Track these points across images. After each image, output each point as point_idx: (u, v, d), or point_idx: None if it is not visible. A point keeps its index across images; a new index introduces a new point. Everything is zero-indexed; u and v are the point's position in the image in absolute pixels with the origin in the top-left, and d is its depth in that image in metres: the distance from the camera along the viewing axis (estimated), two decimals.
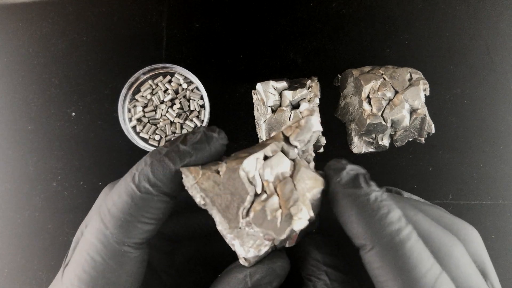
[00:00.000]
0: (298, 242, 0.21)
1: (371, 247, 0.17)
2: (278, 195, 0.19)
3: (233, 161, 0.19)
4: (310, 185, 0.19)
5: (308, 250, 0.21)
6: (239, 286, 0.19)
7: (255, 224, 0.18)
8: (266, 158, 0.19)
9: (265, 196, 0.18)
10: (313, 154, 0.21)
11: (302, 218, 0.19)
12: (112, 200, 0.19)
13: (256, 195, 0.18)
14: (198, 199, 0.19)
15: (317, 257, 0.20)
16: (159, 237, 0.23)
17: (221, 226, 0.19)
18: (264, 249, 0.19)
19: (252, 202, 0.18)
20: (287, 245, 0.21)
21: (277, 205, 0.18)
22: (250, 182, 0.18)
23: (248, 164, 0.18)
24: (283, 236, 0.18)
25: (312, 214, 0.19)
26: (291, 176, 0.19)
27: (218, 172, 0.18)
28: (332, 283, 0.20)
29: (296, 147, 0.20)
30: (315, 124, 0.20)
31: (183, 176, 0.18)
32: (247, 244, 0.19)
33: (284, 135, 0.20)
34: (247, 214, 0.18)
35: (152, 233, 0.19)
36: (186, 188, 0.19)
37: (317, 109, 0.41)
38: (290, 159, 0.20)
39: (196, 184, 0.18)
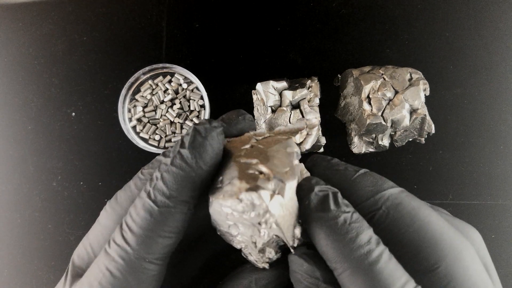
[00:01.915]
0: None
1: (342, 270, 0.17)
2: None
3: (286, 175, 0.19)
4: None
5: (303, 265, 0.19)
6: None
7: (304, 237, 0.19)
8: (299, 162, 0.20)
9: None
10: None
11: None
12: (132, 218, 0.19)
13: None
14: (265, 220, 0.18)
15: (316, 274, 0.19)
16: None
17: (271, 246, 0.19)
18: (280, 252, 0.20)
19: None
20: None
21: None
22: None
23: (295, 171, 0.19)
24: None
25: None
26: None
27: (275, 192, 0.18)
28: None
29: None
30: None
31: (256, 194, 0.18)
32: (274, 250, 0.19)
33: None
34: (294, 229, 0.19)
35: (172, 247, 0.19)
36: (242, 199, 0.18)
37: (317, 109, 0.41)
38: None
39: (269, 204, 0.18)
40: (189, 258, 0.24)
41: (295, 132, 0.21)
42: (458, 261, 0.18)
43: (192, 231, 0.22)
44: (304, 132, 0.21)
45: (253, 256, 0.20)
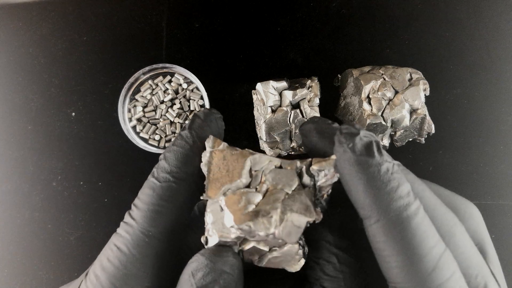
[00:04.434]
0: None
1: (377, 219, 0.17)
2: (263, 196, 0.19)
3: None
4: (298, 213, 0.18)
5: (317, 230, 0.20)
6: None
7: (226, 204, 0.19)
8: (280, 167, 0.20)
9: (253, 191, 0.19)
10: (326, 199, 0.20)
11: (267, 227, 0.18)
12: (138, 198, 0.20)
13: (248, 187, 0.19)
14: (204, 162, 0.20)
15: (329, 239, 0.20)
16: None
17: (204, 194, 0.20)
18: (230, 239, 0.19)
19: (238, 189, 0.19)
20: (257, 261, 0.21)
21: (255, 201, 0.19)
22: (250, 174, 0.20)
23: (259, 160, 0.20)
24: (240, 227, 0.18)
25: (278, 232, 0.18)
26: (287, 194, 0.19)
27: (232, 153, 0.20)
28: (341, 266, 0.19)
29: (313, 176, 0.19)
30: (334, 167, 0.19)
31: (206, 142, 0.20)
32: (219, 225, 0.19)
33: (311, 162, 0.20)
34: (225, 194, 0.19)
35: (176, 224, 0.20)
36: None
37: (317, 109, 0.41)
38: (301, 183, 0.19)
39: (212, 152, 0.20)
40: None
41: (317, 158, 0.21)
42: (448, 237, 0.18)
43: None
44: (321, 158, 0.20)
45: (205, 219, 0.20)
